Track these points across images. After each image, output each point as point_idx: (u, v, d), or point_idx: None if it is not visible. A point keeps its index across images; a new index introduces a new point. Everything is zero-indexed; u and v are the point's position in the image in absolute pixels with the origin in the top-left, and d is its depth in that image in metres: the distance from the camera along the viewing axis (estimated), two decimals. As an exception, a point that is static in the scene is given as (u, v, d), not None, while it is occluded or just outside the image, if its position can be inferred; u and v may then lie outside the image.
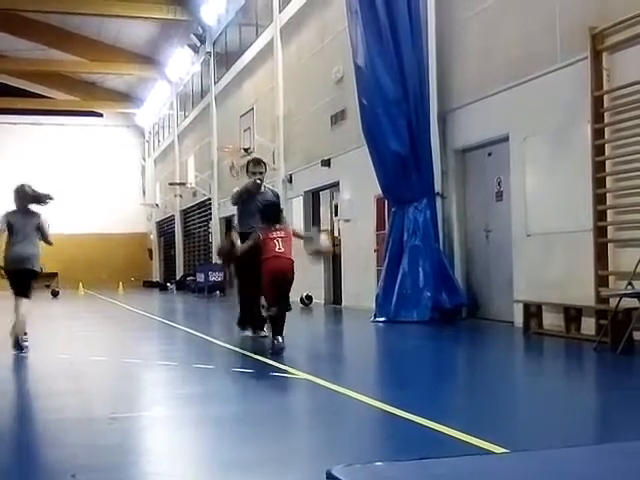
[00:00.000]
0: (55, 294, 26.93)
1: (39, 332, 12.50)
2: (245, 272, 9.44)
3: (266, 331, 9.22)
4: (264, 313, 8.71)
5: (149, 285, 36.94)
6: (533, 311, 9.93)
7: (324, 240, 9.82)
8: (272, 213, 8.58)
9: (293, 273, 8.29)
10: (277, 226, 8.37)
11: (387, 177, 12.83)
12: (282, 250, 8.13)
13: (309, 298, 16.96)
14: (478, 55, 11.66)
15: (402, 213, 12.56)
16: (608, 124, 9.03)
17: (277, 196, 10.41)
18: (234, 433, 4.80)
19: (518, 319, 10.30)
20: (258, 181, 9.86)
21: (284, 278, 8.18)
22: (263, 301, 8.65)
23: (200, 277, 26.81)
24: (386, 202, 13.88)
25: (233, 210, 26.71)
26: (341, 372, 7.58)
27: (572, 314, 9.23)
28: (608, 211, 9.06)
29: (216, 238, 28.36)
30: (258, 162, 10.17)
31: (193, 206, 31.96)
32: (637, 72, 8.50)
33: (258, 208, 9.27)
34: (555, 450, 2.99)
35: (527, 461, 2.62)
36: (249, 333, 9.74)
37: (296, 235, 8.79)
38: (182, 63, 30.54)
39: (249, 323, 9.78)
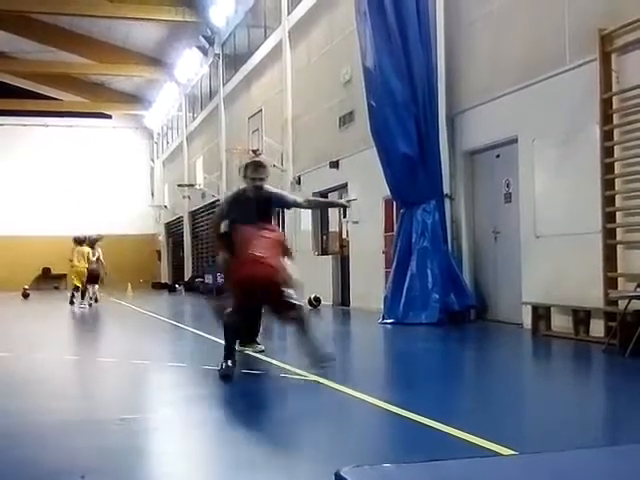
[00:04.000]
0: (25, 296, 27.18)
1: (43, 333, 12.56)
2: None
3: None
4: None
5: (158, 287, 36.97)
6: (542, 313, 9.92)
7: None
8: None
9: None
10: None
11: (395, 179, 12.83)
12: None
13: (317, 300, 16.97)
14: (487, 57, 11.65)
15: (410, 215, 12.56)
16: (617, 126, 9.01)
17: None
18: (243, 434, 4.81)
19: (527, 321, 10.29)
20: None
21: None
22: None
23: (209, 279, 26.80)
24: (394, 204, 13.88)
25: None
26: (350, 374, 7.57)
27: (581, 316, 9.22)
28: (617, 213, 9.04)
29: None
30: (259, 165, 8.00)
31: (202, 207, 31.96)
32: (646, 74, 8.49)
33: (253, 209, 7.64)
34: (564, 452, 2.99)
35: (536, 463, 2.62)
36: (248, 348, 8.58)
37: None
38: (191, 65, 30.56)
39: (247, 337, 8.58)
